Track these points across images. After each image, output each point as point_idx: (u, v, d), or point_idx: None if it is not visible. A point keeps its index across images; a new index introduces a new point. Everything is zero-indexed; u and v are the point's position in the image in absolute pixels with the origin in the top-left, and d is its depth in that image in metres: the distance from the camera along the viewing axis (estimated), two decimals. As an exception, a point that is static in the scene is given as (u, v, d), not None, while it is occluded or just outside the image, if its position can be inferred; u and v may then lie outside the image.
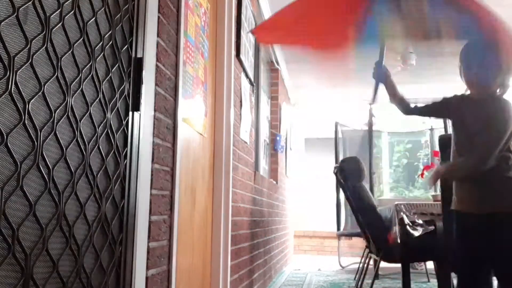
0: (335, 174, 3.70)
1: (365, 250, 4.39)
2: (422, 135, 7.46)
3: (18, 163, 0.88)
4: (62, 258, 1.03)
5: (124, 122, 1.35)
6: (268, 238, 4.18)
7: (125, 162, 1.35)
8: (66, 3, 1.06)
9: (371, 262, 4.22)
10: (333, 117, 6.88)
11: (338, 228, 6.19)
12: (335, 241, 6.74)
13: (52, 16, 1.00)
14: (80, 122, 1.11)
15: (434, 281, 4.22)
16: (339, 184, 4.06)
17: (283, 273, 5.21)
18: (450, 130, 2.21)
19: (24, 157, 0.90)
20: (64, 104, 1.04)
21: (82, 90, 1.12)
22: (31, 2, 0.93)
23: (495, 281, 1.96)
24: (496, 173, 1.86)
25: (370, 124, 6.24)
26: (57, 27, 1.01)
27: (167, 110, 1.68)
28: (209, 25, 2.42)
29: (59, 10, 1.02)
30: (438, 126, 6.61)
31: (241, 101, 2.97)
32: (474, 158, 1.91)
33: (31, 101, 0.92)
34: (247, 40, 3.18)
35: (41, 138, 0.95)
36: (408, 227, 3.20)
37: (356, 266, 4.86)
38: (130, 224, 1.36)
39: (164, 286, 1.62)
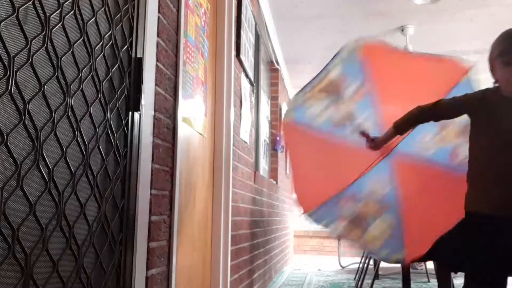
0: (335, 174, 3.69)
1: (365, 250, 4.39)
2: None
3: (18, 163, 0.88)
4: (62, 258, 1.02)
5: (124, 122, 1.35)
6: (268, 238, 4.18)
7: (125, 162, 1.35)
8: (66, 3, 1.06)
9: (371, 262, 4.23)
10: (333, 117, 6.86)
11: (338, 228, 6.17)
12: (335, 241, 6.74)
13: (52, 16, 1.00)
14: (80, 122, 1.11)
15: (434, 281, 4.23)
16: (339, 184, 4.05)
17: (283, 273, 5.20)
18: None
19: (24, 157, 0.90)
20: (64, 104, 1.04)
21: (82, 90, 1.12)
22: (31, 2, 0.93)
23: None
24: None
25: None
26: (57, 27, 1.01)
27: (167, 110, 1.68)
28: (209, 25, 2.42)
29: (59, 10, 1.02)
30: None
31: (241, 101, 2.97)
32: None
33: (31, 101, 0.92)
34: (247, 40, 3.18)
35: (41, 138, 0.95)
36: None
37: (356, 266, 4.86)
38: (130, 224, 1.37)
39: (164, 286, 1.62)
